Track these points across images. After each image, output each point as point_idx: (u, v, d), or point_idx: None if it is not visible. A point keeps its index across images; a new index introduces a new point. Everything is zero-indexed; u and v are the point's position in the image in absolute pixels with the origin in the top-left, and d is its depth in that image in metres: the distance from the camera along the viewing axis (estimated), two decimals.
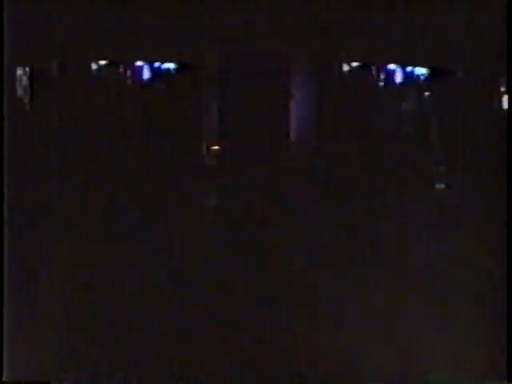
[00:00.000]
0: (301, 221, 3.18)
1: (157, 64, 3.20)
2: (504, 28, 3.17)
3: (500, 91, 3.20)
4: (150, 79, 3.20)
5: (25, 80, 3.19)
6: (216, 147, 3.13)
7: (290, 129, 3.20)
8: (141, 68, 3.20)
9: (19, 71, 3.19)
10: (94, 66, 3.19)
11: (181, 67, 3.20)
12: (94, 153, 3.19)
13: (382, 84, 3.20)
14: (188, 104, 3.20)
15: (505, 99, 3.20)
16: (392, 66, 3.20)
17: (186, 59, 3.20)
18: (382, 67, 3.19)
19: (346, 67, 3.20)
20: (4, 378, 3.17)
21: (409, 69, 3.20)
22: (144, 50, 3.19)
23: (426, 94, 3.21)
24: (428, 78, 3.20)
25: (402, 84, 3.21)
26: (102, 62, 3.19)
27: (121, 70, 3.20)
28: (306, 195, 3.18)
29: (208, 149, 3.12)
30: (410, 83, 3.20)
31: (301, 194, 3.18)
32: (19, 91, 3.20)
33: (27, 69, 3.19)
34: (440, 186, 3.19)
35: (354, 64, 3.20)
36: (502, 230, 3.16)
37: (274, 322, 3.17)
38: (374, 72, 3.20)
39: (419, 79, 3.20)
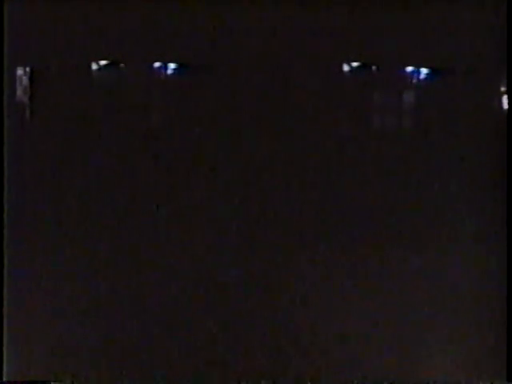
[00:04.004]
0: (300, 221, 3.18)
1: (157, 64, 3.21)
2: (504, 28, 3.18)
3: (500, 91, 3.20)
4: (151, 79, 3.20)
5: (25, 80, 3.19)
6: None
7: (290, 129, 3.20)
8: (141, 68, 3.20)
9: (19, 71, 3.20)
10: (94, 66, 3.20)
11: (181, 67, 3.20)
12: (95, 153, 3.19)
13: (380, 84, 3.20)
14: (188, 104, 3.20)
15: (505, 99, 3.20)
16: (392, 66, 3.20)
17: (186, 59, 3.20)
18: (382, 67, 3.19)
19: (346, 67, 3.20)
20: (4, 378, 3.17)
21: (409, 69, 3.20)
22: (144, 50, 3.19)
23: (426, 94, 3.21)
24: (428, 77, 3.20)
25: (401, 84, 3.21)
26: (102, 62, 3.20)
27: (121, 70, 3.20)
28: (305, 195, 3.18)
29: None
30: (410, 83, 3.20)
31: (300, 194, 3.18)
32: (19, 91, 3.20)
33: (27, 69, 3.19)
34: (442, 186, 3.19)
35: (354, 64, 3.20)
36: (502, 229, 3.16)
37: (275, 322, 3.17)
38: (374, 72, 3.20)
39: (419, 79, 3.20)
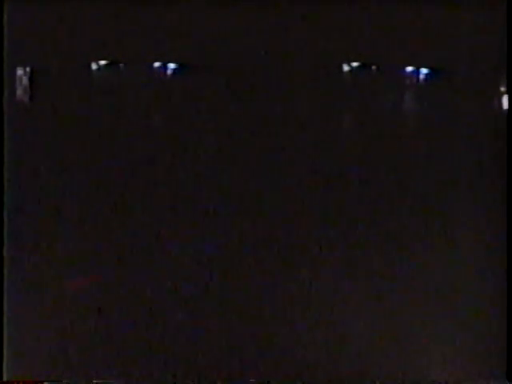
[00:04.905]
0: (300, 221, 3.18)
1: (157, 64, 3.21)
2: (504, 28, 3.18)
3: (500, 91, 3.20)
4: (151, 79, 3.20)
5: (25, 80, 3.20)
6: None
7: (290, 129, 3.20)
8: (141, 68, 3.20)
9: (19, 71, 3.20)
10: (93, 66, 3.20)
11: (181, 67, 3.20)
12: (94, 153, 3.19)
13: (381, 84, 3.20)
14: (189, 105, 3.21)
15: (505, 99, 3.20)
16: (392, 66, 3.20)
17: (186, 59, 3.20)
18: (382, 67, 3.19)
19: (346, 67, 3.20)
20: (4, 378, 3.17)
21: (409, 69, 3.20)
22: (144, 50, 3.20)
23: (426, 94, 3.21)
24: (428, 77, 3.20)
25: (401, 84, 3.21)
26: (102, 62, 3.20)
27: (121, 70, 3.20)
28: (305, 195, 3.18)
29: None
30: (410, 83, 3.20)
31: (300, 194, 3.18)
32: (19, 91, 3.20)
33: (27, 69, 3.19)
34: (442, 185, 3.20)
35: (354, 64, 3.20)
36: (502, 229, 3.16)
37: (275, 322, 3.17)
38: (374, 72, 3.20)
39: (419, 79, 3.20)
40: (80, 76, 3.19)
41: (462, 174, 3.20)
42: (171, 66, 3.21)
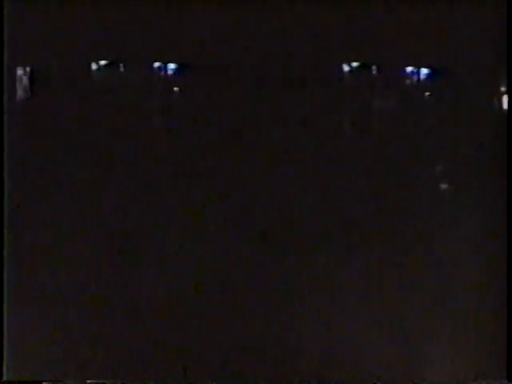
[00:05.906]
0: (299, 221, 3.18)
1: (157, 64, 3.21)
2: (504, 28, 3.18)
3: (500, 91, 3.20)
4: (151, 79, 3.20)
5: (25, 80, 3.19)
6: None
7: (290, 129, 3.20)
8: (142, 68, 3.20)
9: (19, 71, 3.20)
10: (93, 66, 3.20)
11: (181, 67, 3.20)
12: (95, 153, 3.19)
13: (382, 84, 3.20)
14: (189, 105, 3.21)
15: (505, 99, 3.20)
16: (392, 66, 3.20)
17: (186, 59, 3.20)
18: (382, 67, 3.19)
19: (346, 67, 3.20)
20: (4, 378, 3.17)
21: (409, 69, 3.20)
22: (144, 50, 3.19)
23: (426, 94, 3.21)
24: (428, 77, 3.20)
25: (401, 84, 3.21)
26: (102, 62, 3.20)
27: (121, 70, 3.20)
28: (304, 196, 3.18)
29: None
30: (410, 83, 3.20)
31: (300, 195, 3.18)
32: (19, 91, 3.20)
33: (27, 69, 3.19)
34: (443, 185, 3.20)
35: (354, 64, 3.20)
36: (502, 229, 3.16)
37: (275, 321, 3.17)
38: (374, 72, 3.20)
39: (419, 79, 3.20)
40: (80, 76, 3.19)
41: (461, 174, 3.20)
42: (171, 66, 3.21)
